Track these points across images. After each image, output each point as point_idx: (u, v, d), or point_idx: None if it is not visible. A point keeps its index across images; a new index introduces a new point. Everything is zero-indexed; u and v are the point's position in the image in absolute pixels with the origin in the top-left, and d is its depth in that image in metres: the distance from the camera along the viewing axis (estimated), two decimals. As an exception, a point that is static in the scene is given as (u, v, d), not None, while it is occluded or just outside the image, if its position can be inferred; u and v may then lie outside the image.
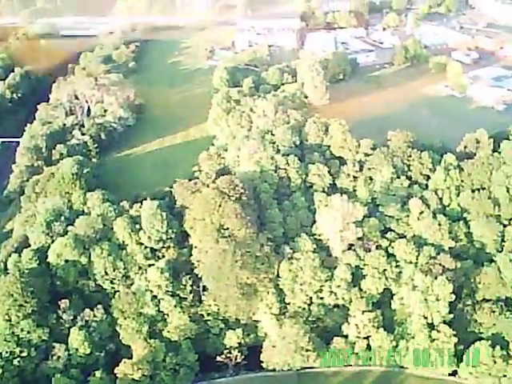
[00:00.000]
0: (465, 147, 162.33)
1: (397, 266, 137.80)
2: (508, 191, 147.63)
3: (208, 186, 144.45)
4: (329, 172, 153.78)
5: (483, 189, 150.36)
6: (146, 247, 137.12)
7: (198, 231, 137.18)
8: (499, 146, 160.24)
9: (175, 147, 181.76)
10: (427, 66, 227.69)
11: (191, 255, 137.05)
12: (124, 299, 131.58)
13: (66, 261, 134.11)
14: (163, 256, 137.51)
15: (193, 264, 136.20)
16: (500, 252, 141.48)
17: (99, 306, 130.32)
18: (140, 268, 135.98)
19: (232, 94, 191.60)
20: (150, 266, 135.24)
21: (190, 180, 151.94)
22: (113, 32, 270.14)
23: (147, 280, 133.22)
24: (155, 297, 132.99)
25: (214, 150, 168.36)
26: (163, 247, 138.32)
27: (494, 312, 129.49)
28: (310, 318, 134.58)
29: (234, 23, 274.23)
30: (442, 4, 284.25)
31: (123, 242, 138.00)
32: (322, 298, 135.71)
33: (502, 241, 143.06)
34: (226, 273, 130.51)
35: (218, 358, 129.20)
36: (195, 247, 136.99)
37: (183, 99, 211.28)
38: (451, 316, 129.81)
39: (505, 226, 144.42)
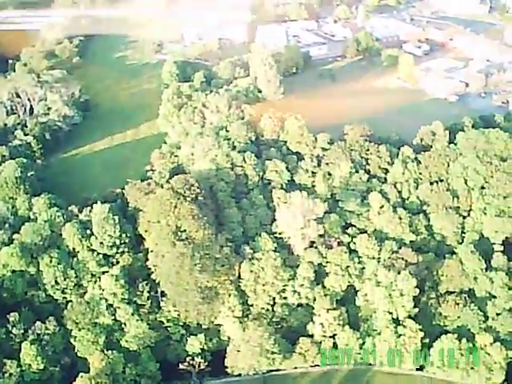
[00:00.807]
0: (421, 140, 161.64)
1: (359, 262, 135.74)
2: (466, 182, 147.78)
3: (162, 187, 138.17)
4: (286, 168, 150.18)
5: (441, 181, 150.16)
6: (98, 253, 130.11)
7: (154, 234, 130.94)
8: (455, 137, 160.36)
9: (125, 146, 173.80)
10: (379, 59, 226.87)
11: (147, 260, 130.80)
12: (77, 309, 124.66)
13: (13, 271, 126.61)
14: (117, 262, 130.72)
15: (149, 269, 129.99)
16: (460, 244, 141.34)
17: (51, 318, 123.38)
18: (93, 276, 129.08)
19: (183, 89, 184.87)
20: (103, 273, 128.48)
21: (142, 180, 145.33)
22: (55, 26, 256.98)
23: (101, 288, 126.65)
24: (111, 305, 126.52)
25: (166, 148, 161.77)
26: (117, 253, 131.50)
27: (458, 304, 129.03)
28: (273, 319, 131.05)
29: (182, 16, 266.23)
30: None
31: (74, 249, 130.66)
32: (285, 298, 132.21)
33: (462, 232, 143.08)
34: (184, 277, 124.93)
35: (181, 366, 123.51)
36: (151, 251, 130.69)
37: (132, 95, 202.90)
38: (416, 310, 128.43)
39: (464, 217, 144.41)
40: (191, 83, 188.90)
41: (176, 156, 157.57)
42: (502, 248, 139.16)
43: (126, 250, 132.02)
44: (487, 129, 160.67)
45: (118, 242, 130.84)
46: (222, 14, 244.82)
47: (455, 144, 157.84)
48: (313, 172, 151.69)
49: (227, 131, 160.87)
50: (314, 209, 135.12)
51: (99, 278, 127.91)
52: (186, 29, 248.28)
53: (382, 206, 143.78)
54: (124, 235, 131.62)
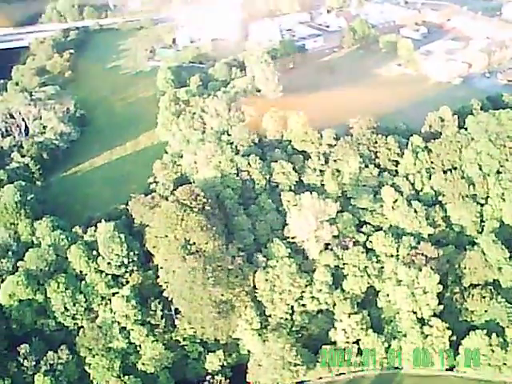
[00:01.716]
0: (430, 127, 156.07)
1: (378, 261, 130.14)
2: (480, 168, 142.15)
3: (167, 199, 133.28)
4: (293, 169, 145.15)
5: (455, 169, 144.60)
6: (106, 275, 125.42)
7: (162, 250, 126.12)
8: (464, 121, 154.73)
9: (126, 159, 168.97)
10: (377, 46, 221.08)
11: (158, 277, 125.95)
12: (89, 335, 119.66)
13: (20, 300, 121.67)
14: (127, 282, 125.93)
15: (160, 286, 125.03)
16: (481, 233, 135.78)
17: (63, 347, 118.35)
18: (103, 298, 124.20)
19: (180, 94, 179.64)
20: (113, 294, 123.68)
21: (146, 194, 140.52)
22: (44, 41, 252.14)
23: (112, 311, 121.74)
24: (124, 328, 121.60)
25: (168, 158, 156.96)
26: (126, 272, 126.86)
27: (484, 298, 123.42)
28: (293, 328, 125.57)
29: (172, 19, 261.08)
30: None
31: (81, 271, 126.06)
32: (303, 305, 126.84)
33: (481, 221, 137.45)
34: (198, 292, 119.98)
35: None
36: (161, 268, 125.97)
37: (128, 105, 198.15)
38: (441, 307, 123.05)
39: (482, 205, 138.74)
40: (188, 88, 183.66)
41: (179, 165, 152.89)
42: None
43: (135, 268, 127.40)
44: (497, 110, 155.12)
45: (126, 260, 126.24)
46: (212, 15, 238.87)
47: (465, 129, 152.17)
48: (321, 170, 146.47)
49: (229, 135, 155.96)
50: (326, 209, 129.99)
51: (109, 300, 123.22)
52: (178, 33, 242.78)
53: (395, 201, 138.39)
54: (132, 253, 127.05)
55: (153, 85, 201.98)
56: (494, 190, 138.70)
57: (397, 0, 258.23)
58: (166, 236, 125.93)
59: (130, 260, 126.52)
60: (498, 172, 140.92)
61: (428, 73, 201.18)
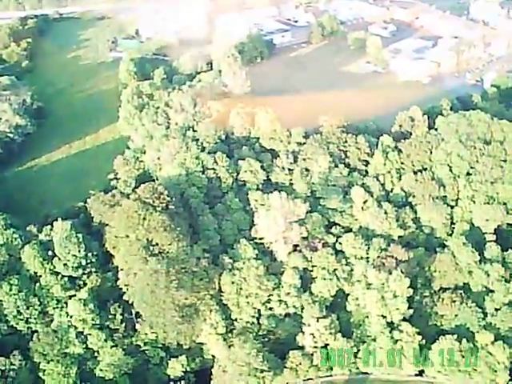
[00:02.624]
0: (400, 126, 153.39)
1: (347, 264, 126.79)
2: (450, 170, 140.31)
3: (128, 197, 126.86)
4: (261, 167, 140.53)
5: (425, 169, 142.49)
6: (62, 276, 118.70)
7: (123, 251, 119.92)
8: (434, 122, 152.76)
9: (85, 154, 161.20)
10: (346, 43, 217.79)
11: (117, 279, 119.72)
12: (44, 340, 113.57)
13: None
14: (84, 284, 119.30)
15: (120, 289, 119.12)
16: (451, 235, 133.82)
17: (16, 352, 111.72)
18: (59, 302, 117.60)
19: (143, 87, 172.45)
20: (70, 297, 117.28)
21: (106, 191, 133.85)
22: (0, 29, 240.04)
23: (69, 315, 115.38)
24: (81, 333, 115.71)
25: (129, 154, 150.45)
26: (83, 274, 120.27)
27: (454, 302, 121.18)
28: (260, 333, 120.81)
29: (135, 9, 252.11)
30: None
31: (35, 273, 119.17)
32: (271, 309, 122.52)
33: (452, 223, 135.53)
34: (160, 296, 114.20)
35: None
36: (121, 270, 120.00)
37: (88, 98, 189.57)
38: (411, 311, 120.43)
39: (452, 207, 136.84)
40: (151, 81, 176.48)
41: (141, 161, 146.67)
42: (494, 237, 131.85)
43: (94, 270, 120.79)
44: (466, 111, 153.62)
45: (83, 262, 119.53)
46: (177, 6, 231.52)
47: (436, 129, 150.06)
48: (289, 169, 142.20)
49: (194, 131, 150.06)
50: (295, 210, 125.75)
51: (66, 303, 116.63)
52: (141, 23, 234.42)
53: (365, 201, 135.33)
54: (90, 254, 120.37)
55: (115, 77, 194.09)
56: (464, 192, 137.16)
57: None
58: (127, 236, 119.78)
59: (88, 261, 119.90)
60: (468, 174, 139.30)
61: (397, 71, 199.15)
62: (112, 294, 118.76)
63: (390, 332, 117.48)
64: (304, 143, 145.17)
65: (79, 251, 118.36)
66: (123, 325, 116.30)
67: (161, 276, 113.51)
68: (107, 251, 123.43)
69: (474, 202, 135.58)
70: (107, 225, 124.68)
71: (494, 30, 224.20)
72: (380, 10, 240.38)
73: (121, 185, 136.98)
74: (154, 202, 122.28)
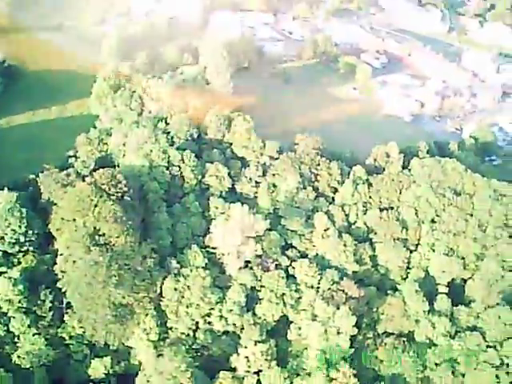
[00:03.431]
0: (374, 160, 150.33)
1: (296, 290, 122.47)
2: (417, 214, 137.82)
3: (83, 180, 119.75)
4: (228, 174, 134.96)
5: (391, 208, 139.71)
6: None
7: (66, 235, 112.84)
8: (409, 162, 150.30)
9: (48, 124, 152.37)
10: (336, 65, 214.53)
11: (55, 264, 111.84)
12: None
13: None
14: (19, 263, 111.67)
15: (56, 275, 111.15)
16: (404, 279, 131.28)
17: None
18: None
19: (122, 68, 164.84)
20: (0, 274, 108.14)
21: (61, 168, 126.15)
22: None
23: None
24: (4, 314, 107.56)
25: (94, 134, 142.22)
26: (20, 252, 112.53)
27: (396, 348, 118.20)
28: (193, 346, 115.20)
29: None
30: (353, 0, 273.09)
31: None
32: (209, 323, 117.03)
33: (408, 268, 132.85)
34: (96, 290, 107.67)
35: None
36: (60, 254, 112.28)
37: (65, 67, 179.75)
38: (351, 351, 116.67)
39: (411, 251, 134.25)
40: (132, 63, 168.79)
41: (105, 144, 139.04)
42: (446, 290, 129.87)
43: (31, 249, 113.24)
44: (442, 157, 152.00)
45: (22, 238, 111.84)
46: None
47: (409, 169, 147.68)
48: (257, 182, 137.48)
49: (167, 124, 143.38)
50: (254, 225, 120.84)
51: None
52: (133, 2, 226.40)
53: (326, 229, 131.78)
54: (31, 232, 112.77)
55: (96, 52, 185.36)
56: (426, 239, 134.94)
57: (363, 24, 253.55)
58: (74, 220, 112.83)
59: (28, 239, 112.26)
60: (433, 221, 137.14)
61: (381, 103, 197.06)
62: (46, 279, 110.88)
63: (327, 369, 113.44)
64: (276, 158, 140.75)
65: (19, 226, 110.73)
66: (51, 313, 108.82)
67: (101, 269, 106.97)
68: (50, 232, 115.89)
69: (434, 251, 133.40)
70: (55, 204, 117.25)
71: (482, 82, 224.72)
72: (375, 39, 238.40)
73: (79, 164, 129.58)
74: (109, 189, 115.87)
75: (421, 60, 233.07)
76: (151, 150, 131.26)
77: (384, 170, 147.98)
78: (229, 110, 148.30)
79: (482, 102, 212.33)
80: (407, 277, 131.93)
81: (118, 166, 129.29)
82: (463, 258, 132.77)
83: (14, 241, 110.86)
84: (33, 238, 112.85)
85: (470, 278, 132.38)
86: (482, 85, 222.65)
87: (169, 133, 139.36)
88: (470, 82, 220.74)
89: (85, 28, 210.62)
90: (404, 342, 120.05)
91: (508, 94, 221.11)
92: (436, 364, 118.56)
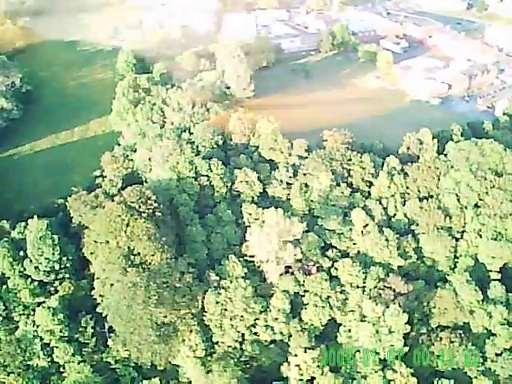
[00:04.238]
0: (408, 148, 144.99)
1: (342, 292, 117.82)
2: (458, 200, 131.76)
3: (112, 199, 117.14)
4: (258, 178, 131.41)
5: (431, 197, 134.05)
6: (32, 280, 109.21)
7: (101, 257, 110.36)
8: (443, 146, 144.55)
9: (72, 146, 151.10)
10: (355, 55, 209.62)
11: (92, 289, 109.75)
12: (6, 349, 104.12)
13: None
14: (56, 291, 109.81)
15: (95, 300, 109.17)
16: (453, 270, 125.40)
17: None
18: (26, 308, 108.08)
19: (140, 81, 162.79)
20: (38, 304, 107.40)
21: (89, 190, 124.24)
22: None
23: (35, 324, 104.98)
24: (47, 344, 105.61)
25: (119, 151, 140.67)
26: (56, 279, 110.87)
27: (452, 342, 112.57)
28: (242, 359, 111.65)
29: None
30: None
31: (3, 274, 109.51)
32: (256, 334, 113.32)
33: (455, 257, 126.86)
34: (137, 311, 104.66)
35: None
36: (97, 278, 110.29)
37: (82, 86, 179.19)
38: (406, 349, 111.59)
39: (457, 239, 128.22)
40: (150, 75, 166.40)
41: (130, 160, 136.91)
42: (499, 276, 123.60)
43: (67, 276, 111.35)
44: (477, 138, 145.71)
45: (56, 266, 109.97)
46: (186, 1, 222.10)
47: (445, 155, 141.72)
48: (288, 183, 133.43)
49: (190, 133, 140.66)
50: (291, 229, 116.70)
51: (33, 310, 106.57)
52: (145, 14, 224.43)
53: (366, 225, 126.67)
54: (65, 258, 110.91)
55: (112, 67, 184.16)
56: (471, 225, 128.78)
57: (378, 10, 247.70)
58: (107, 242, 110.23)
59: (62, 266, 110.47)
60: (477, 206, 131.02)
61: (406, 89, 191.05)
62: (85, 305, 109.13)
63: (383, 370, 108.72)
64: (306, 157, 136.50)
65: (53, 254, 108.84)
66: (94, 339, 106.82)
67: (139, 290, 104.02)
68: (84, 256, 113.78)
69: (481, 237, 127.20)
70: (87, 227, 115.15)
71: (509, 56, 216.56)
72: (393, 24, 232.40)
73: (106, 184, 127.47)
74: (139, 206, 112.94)
75: (442, 41, 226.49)
76: (177, 162, 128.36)
77: (419, 157, 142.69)
78: (252, 113, 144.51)
79: (511, 76, 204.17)
80: (455, 266, 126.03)
81: (146, 182, 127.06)
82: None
83: (49, 269, 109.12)
84: (68, 265, 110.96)
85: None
86: (509, 59, 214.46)
87: (193, 142, 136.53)
88: (496, 57, 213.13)
89: (99, 42, 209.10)
90: (460, 334, 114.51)
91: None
92: (497, 354, 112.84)
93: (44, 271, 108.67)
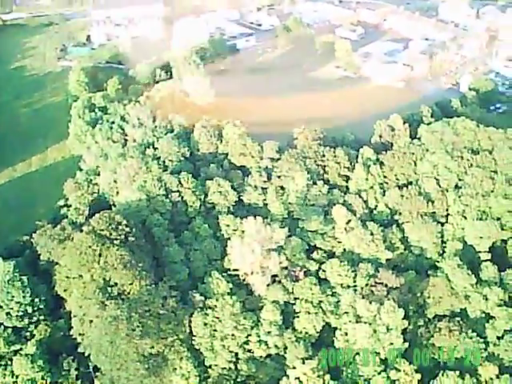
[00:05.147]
0: (380, 137, 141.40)
1: (333, 294, 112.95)
2: (438, 183, 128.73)
3: (81, 230, 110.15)
4: (232, 187, 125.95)
5: (410, 183, 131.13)
6: (5, 328, 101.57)
7: (76, 294, 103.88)
8: (416, 131, 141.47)
9: (31, 177, 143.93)
10: (313, 47, 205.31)
11: (71, 328, 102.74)
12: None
13: None
14: (32, 336, 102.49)
15: (75, 339, 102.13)
16: (442, 255, 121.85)
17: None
18: (2, 358, 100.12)
19: (95, 100, 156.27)
20: (15, 353, 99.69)
21: (55, 222, 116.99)
22: None
23: (14, 374, 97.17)
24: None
25: (81, 176, 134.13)
26: (30, 324, 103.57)
27: (452, 331, 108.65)
28: (238, 379, 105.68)
29: (86, 15, 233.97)
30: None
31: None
32: (250, 351, 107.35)
33: (443, 242, 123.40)
34: (121, 346, 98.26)
35: None
36: (74, 316, 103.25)
37: (35, 112, 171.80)
38: (406, 345, 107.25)
39: (442, 224, 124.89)
40: (105, 93, 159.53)
41: (95, 185, 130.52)
42: (489, 256, 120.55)
43: (42, 318, 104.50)
44: (447, 117, 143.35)
45: (29, 309, 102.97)
46: (132, 10, 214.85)
47: (419, 139, 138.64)
48: (263, 188, 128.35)
49: (155, 149, 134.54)
50: (272, 236, 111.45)
51: (10, 360, 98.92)
52: (92, 29, 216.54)
53: (348, 221, 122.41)
54: (37, 299, 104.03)
55: (64, 88, 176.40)
56: (455, 207, 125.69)
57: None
58: (81, 276, 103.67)
59: (36, 308, 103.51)
60: (457, 187, 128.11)
61: (369, 76, 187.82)
62: (64, 346, 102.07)
63: (385, 371, 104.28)
64: (278, 159, 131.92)
65: (24, 297, 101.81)
66: (79, 382, 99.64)
67: (121, 323, 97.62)
68: (57, 295, 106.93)
69: (466, 218, 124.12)
70: (57, 263, 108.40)
71: (465, 30, 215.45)
72: (347, 12, 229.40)
73: (72, 213, 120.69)
74: (110, 234, 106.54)
75: (398, 22, 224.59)
76: (145, 181, 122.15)
77: (392, 145, 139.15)
78: (216, 119, 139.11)
79: (470, 51, 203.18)
80: (444, 252, 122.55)
81: (114, 206, 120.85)
82: (498, 219, 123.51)
83: (21, 314, 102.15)
84: (41, 306, 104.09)
85: (510, 238, 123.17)
86: (466, 33, 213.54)
87: (159, 158, 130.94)
88: (453, 33, 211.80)
89: (46, 65, 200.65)
90: (458, 322, 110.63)
91: (494, 38, 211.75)
92: (498, 337, 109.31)
93: (16, 316, 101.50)
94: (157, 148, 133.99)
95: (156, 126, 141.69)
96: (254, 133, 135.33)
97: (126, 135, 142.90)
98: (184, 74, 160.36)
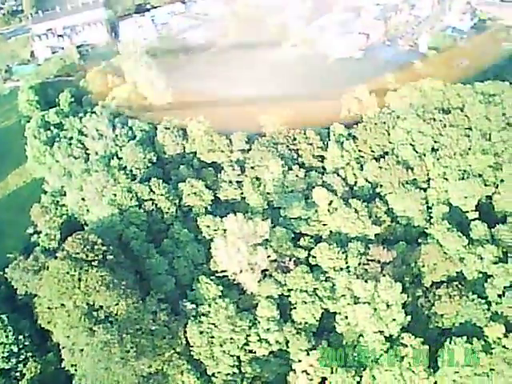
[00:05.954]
0: (348, 111, 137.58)
1: (327, 280, 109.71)
2: (414, 149, 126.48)
3: (55, 256, 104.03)
4: (206, 186, 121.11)
5: (386, 154, 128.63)
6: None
7: (61, 324, 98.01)
8: (384, 100, 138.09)
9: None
10: (265, 29, 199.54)
11: (61, 360, 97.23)
12: None
13: None
14: (22, 376, 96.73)
15: (67, 372, 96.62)
16: (430, 221, 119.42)
17: None
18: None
19: (49, 117, 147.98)
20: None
21: (27, 252, 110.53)
22: None
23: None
24: None
25: (47, 199, 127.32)
26: (18, 363, 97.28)
27: (452, 297, 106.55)
28: (244, 382, 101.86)
29: (26, 30, 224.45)
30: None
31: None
32: (251, 352, 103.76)
33: (428, 208, 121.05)
34: (117, 370, 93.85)
35: None
36: (63, 348, 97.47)
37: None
38: (409, 318, 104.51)
39: (425, 190, 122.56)
40: (57, 108, 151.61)
41: (63, 206, 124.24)
42: (477, 215, 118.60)
43: (30, 355, 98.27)
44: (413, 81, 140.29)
45: (15, 348, 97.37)
46: (73, 18, 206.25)
47: (387, 107, 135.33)
48: (238, 182, 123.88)
49: (119, 158, 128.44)
50: (256, 230, 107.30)
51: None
52: (35, 45, 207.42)
53: (330, 202, 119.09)
54: (21, 337, 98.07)
55: (14, 110, 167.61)
56: (435, 171, 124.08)
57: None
58: (63, 305, 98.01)
59: (21, 346, 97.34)
60: (434, 149, 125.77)
61: (326, 50, 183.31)
62: (58, 380, 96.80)
63: (392, 348, 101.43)
64: (249, 149, 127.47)
65: (7, 336, 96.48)
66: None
67: (114, 347, 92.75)
68: (42, 328, 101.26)
69: (448, 180, 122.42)
70: (36, 295, 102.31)
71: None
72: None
73: (43, 240, 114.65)
74: (87, 256, 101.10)
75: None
76: (115, 194, 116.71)
77: (362, 117, 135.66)
78: (178, 118, 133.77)
79: (423, 9, 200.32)
80: (431, 218, 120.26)
81: (86, 225, 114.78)
82: (480, 175, 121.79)
83: (7, 354, 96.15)
84: (26, 343, 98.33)
85: (494, 193, 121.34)
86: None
87: (125, 167, 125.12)
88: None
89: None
90: (457, 286, 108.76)
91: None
92: (499, 295, 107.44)
93: (2, 358, 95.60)
94: (121, 158, 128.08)
95: (117, 135, 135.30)
96: (219, 127, 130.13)
97: (87, 149, 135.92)
98: (137, 76, 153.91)
